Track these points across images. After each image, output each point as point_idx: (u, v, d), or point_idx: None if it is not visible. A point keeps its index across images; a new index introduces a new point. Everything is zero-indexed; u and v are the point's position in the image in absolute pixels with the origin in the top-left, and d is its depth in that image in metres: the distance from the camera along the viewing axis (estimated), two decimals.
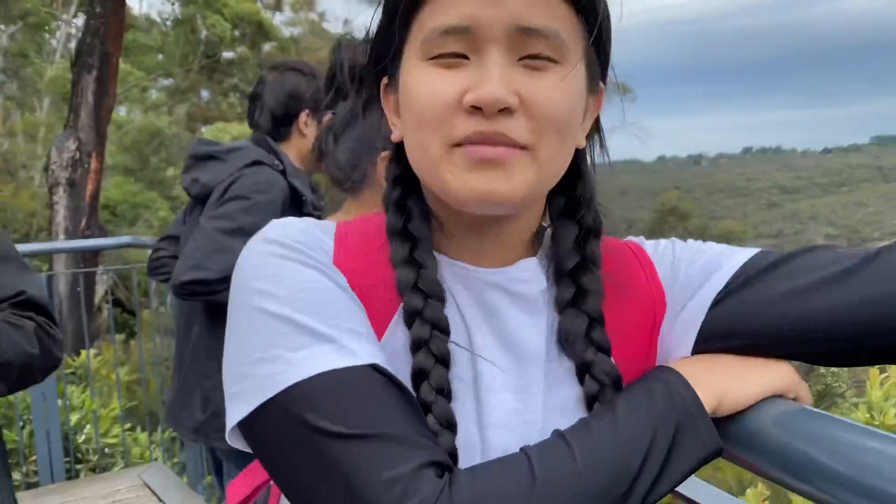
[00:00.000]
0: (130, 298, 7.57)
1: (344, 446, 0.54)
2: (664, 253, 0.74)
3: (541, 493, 0.53)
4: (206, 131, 12.81)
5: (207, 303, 1.86)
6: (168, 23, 19.75)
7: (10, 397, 3.87)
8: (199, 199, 2.00)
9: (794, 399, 0.64)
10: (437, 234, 0.69)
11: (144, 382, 4.34)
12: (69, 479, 3.88)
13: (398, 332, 0.65)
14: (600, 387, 0.65)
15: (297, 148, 2.04)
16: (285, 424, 0.56)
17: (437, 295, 0.65)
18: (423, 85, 0.61)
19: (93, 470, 4.12)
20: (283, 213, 1.88)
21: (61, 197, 5.70)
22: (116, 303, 6.95)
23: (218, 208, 1.84)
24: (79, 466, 4.13)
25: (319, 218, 2.07)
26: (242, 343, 0.60)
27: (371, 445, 0.54)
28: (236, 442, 0.61)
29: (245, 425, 0.58)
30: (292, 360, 0.56)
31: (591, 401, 0.66)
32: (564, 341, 0.67)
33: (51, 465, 3.79)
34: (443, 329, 0.64)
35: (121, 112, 19.55)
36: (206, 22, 18.54)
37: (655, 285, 0.72)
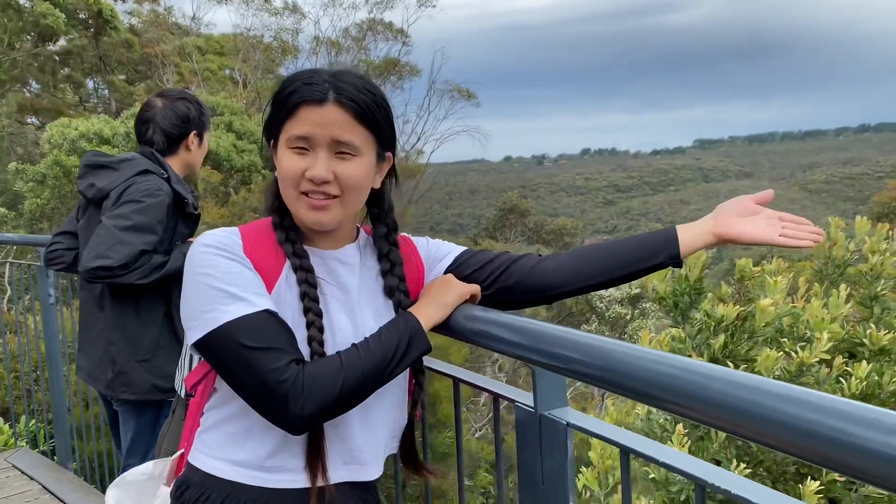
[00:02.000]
0: None
1: (254, 353, 1.12)
2: (422, 243, 1.42)
3: (344, 368, 1.14)
4: (50, 126, 12.28)
5: (110, 285, 2.32)
6: None
7: None
8: (94, 201, 2.44)
9: (473, 298, 1.32)
10: (303, 234, 1.28)
11: (9, 377, 4.51)
12: None
13: (282, 285, 1.22)
14: (402, 296, 1.30)
15: (182, 160, 2.54)
16: (223, 343, 1.13)
17: (304, 255, 1.24)
18: (287, 161, 1.19)
19: None
20: (169, 214, 2.37)
21: None
22: None
23: (116, 209, 2.28)
24: None
25: (197, 216, 2.58)
26: (194, 301, 1.17)
27: (268, 353, 1.12)
28: (195, 353, 1.20)
29: (199, 345, 1.15)
30: (225, 310, 1.14)
31: (390, 293, 1.30)
32: (387, 287, 1.31)
33: None
34: (310, 270, 1.23)
35: None
36: (34, 9, 17.59)
37: (418, 258, 1.39)
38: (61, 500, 3.56)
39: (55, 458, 4.18)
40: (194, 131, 2.54)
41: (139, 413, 2.41)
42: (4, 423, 4.65)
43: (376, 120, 1.21)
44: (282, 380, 1.09)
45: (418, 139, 24.06)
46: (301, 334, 1.19)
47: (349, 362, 1.14)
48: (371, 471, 1.29)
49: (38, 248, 3.95)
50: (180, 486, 1.28)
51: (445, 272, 1.37)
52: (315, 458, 1.20)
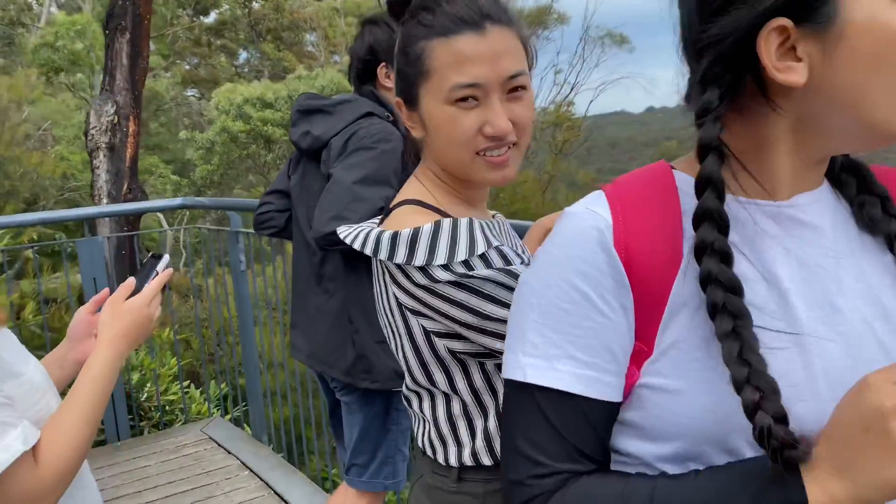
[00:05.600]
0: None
1: (519, 442, 0.76)
2: None
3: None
4: (216, 93, 12.70)
5: (345, 253, 1.92)
6: None
7: None
8: (310, 152, 2.04)
9: None
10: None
11: (202, 341, 4.42)
12: (133, 436, 3.97)
13: (684, 277, 0.69)
14: None
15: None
16: (513, 397, 0.77)
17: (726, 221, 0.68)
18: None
19: (156, 426, 4.20)
20: (402, 161, 1.93)
21: (102, 161, 5.65)
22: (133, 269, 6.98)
23: (346, 160, 1.87)
24: (142, 424, 4.20)
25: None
26: (511, 316, 0.78)
27: (529, 454, 0.75)
28: None
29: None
30: (526, 362, 0.74)
31: None
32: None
33: (116, 423, 3.87)
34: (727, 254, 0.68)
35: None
36: None
37: None
38: (262, 479, 3.37)
39: (246, 426, 4.06)
40: (384, 62, 2.01)
41: (368, 403, 2.01)
42: (196, 390, 4.59)
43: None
44: (524, 499, 0.73)
45: (571, 89, 22.84)
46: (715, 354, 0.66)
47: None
48: None
49: (230, 212, 3.78)
50: None
51: None
52: None
